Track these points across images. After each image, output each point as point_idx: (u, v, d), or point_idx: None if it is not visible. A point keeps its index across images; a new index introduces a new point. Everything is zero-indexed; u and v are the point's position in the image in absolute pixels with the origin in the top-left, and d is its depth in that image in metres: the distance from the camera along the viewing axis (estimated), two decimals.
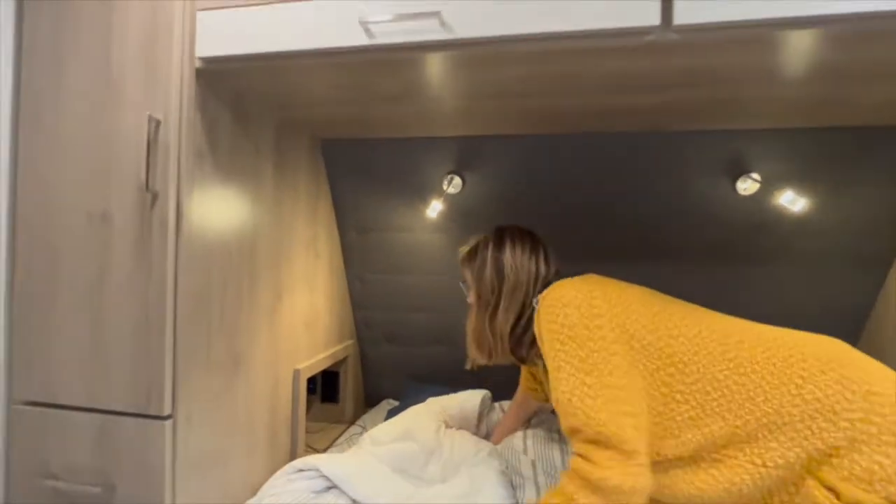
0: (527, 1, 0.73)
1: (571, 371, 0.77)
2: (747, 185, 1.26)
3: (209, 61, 0.87)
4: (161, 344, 0.86)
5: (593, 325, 0.79)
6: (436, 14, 0.74)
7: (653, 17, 0.70)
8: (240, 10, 0.84)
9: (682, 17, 0.70)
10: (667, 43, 0.73)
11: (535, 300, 0.92)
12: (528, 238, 1.02)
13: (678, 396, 0.76)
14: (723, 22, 0.69)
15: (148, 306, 0.86)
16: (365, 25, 0.77)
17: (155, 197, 0.86)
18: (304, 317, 1.36)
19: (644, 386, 0.77)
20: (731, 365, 0.75)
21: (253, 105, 1.06)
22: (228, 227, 1.00)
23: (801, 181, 1.22)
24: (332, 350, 1.53)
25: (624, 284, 0.90)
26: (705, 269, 1.41)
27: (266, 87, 1.00)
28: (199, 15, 0.86)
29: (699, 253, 1.38)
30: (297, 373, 1.28)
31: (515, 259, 0.97)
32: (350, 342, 1.69)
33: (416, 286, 1.62)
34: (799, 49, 0.76)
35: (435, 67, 0.86)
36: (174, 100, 0.86)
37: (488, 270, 0.98)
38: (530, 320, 0.94)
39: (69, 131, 0.90)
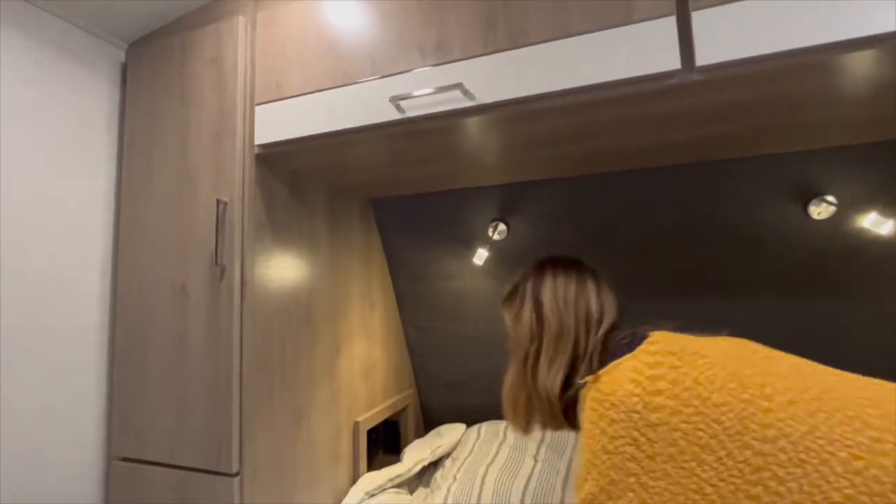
0: (542, 62, 0.76)
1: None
2: (821, 209, 1.15)
3: (266, 147, 0.98)
4: (228, 403, 0.94)
5: (644, 452, 0.59)
6: (458, 86, 0.79)
7: (672, 62, 0.70)
8: (288, 101, 0.96)
9: (704, 58, 0.68)
10: (693, 84, 0.71)
11: (582, 374, 0.69)
12: (574, 270, 0.82)
13: None
14: (746, 58, 0.66)
15: (218, 368, 0.95)
16: (395, 102, 0.84)
17: (223, 270, 0.96)
18: (363, 367, 1.41)
19: None
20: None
21: (306, 177, 1.17)
22: (288, 289, 1.09)
23: (886, 200, 1.09)
24: (391, 400, 1.56)
25: (711, 351, 0.64)
26: (778, 303, 1.28)
27: (316, 162, 1.10)
28: (257, 109, 0.98)
29: (768, 287, 1.26)
30: (356, 425, 1.32)
31: (557, 298, 0.78)
32: (410, 391, 1.71)
33: (468, 332, 1.63)
34: (837, 72, 0.70)
35: (465, 131, 0.91)
36: (237, 183, 0.98)
37: (526, 313, 0.81)
38: (589, 370, 0.73)
39: (156, 217, 1.05)
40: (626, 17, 0.72)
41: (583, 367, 0.74)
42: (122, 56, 1.17)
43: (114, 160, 1.13)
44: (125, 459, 1.03)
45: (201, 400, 0.96)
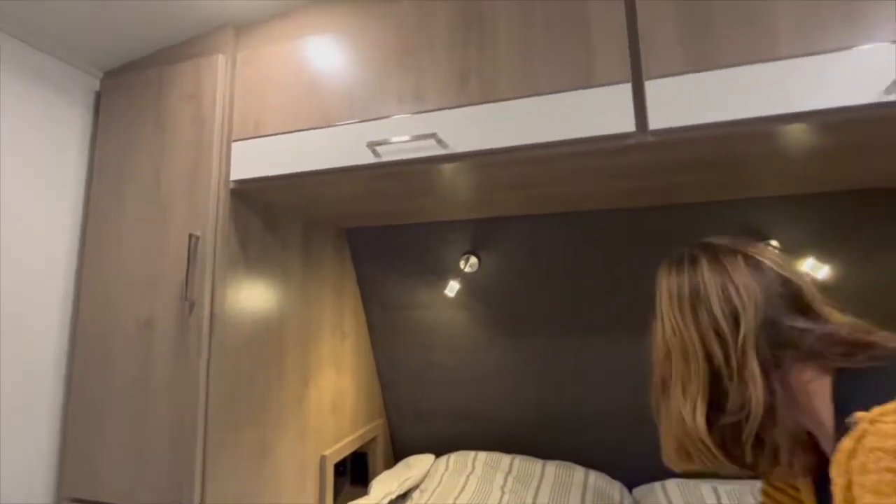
0: (510, 117, 0.81)
1: None
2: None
3: (242, 182, 1.00)
4: (192, 441, 0.92)
5: None
6: (432, 135, 0.83)
7: (628, 125, 0.76)
8: (266, 139, 0.98)
9: (656, 122, 0.75)
10: (647, 144, 0.78)
11: (852, 419, 0.45)
12: (693, 259, 0.62)
13: None
14: (695, 125, 0.73)
15: (183, 405, 0.94)
16: (372, 147, 0.88)
17: (192, 304, 0.96)
18: (332, 399, 1.40)
19: None
20: None
21: (281, 209, 1.18)
22: (259, 322, 1.08)
23: (821, 247, 1.20)
24: (360, 431, 1.55)
25: None
26: None
27: (291, 197, 1.12)
28: (234, 145, 1.00)
29: None
30: (323, 459, 1.30)
31: (672, 305, 0.61)
32: (379, 422, 1.70)
33: (440, 363, 1.64)
34: (774, 138, 0.79)
35: (438, 174, 0.95)
36: (211, 217, 0.98)
37: (661, 323, 0.62)
38: (746, 407, 0.53)
39: (124, 249, 1.04)
40: (587, 81, 0.78)
41: (728, 392, 0.55)
42: (96, 85, 1.17)
43: (83, 187, 1.12)
44: (76, 501, 0.98)
45: (163, 437, 0.94)
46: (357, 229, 1.53)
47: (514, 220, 1.39)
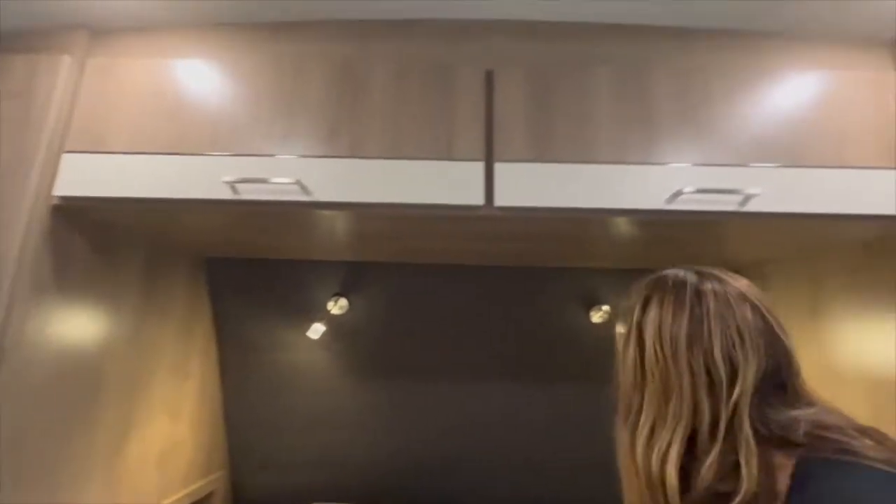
0: (375, 175, 0.85)
1: None
2: (599, 315, 1.43)
3: (69, 199, 0.88)
4: None
5: None
6: (297, 182, 0.83)
7: (478, 198, 0.85)
8: (110, 156, 0.88)
9: (501, 200, 0.85)
10: (494, 216, 0.87)
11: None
12: (696, 291, 0.54)
13: None
14: (533, 207, 0.85)
15: None
16: (231, 185, 0.84)
17: None
18: (160, 451, 1.23)
19: None
20: None
21: (119, 232, 1.06)
22: (67, 360, 0.93)
23: None
24: (194, 486, 1.38)
25: None
26: (575, 388, 1.52)
27: (134, 221, 1.01)
28: (66, 157, 0.88)
29: (564, 374, 1.50)
30: None
31: (663, 336, 0.52)
32: (219, 474, 1.53)
33: (299, 408, 1.56)
34: (594, 225, 0.94)
35: (301, 218, 0.94)
36: (18, 234, 0.84)
37: (630, 352, 0.56)
38: (724, 462, 0.46)
39: None
40: (446, 153, 0.86)
41: (708, 453, 0.46)
42: None
43: None
44: None
45: None
46: (219, 260, 1.42)
47: (386, 265, 1.41)
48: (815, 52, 0.99)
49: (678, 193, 0.83)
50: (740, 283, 0.55)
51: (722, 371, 0.49)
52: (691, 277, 0.56)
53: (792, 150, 0.87)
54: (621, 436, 0.56)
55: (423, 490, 1.58)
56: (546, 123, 0.89)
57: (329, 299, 1.45)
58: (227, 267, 1.43)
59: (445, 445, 1.54)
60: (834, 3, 0.92)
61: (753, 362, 0.49)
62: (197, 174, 0.87)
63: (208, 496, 1.46)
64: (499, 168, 0.86)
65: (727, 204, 0.84)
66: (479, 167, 0.86)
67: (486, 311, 1.46)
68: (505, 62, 0.94)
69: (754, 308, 0.52)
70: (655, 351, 0.52)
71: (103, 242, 1.01)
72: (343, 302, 1.47)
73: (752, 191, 0.83)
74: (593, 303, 1.44)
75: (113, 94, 0.92)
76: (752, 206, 0.84)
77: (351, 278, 1.47)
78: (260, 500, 1.62)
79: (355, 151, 0.87)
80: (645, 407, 0.52)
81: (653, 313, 0.54)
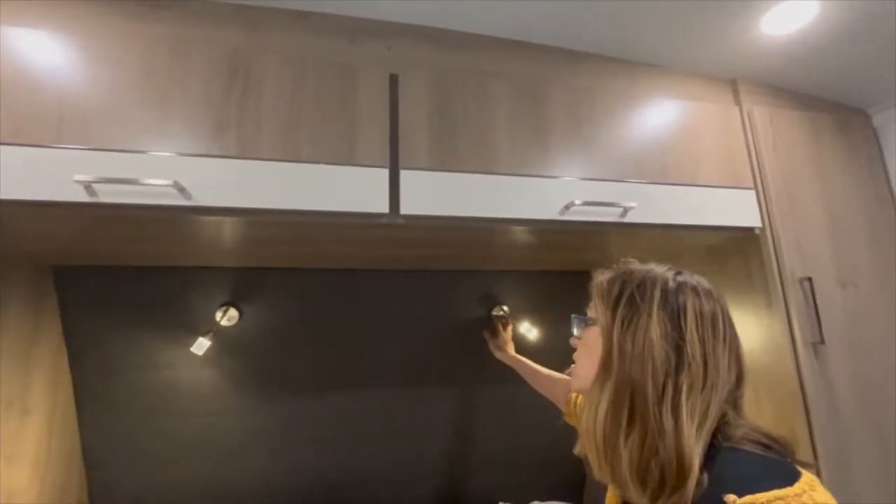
0: (269, 178, 0.78)
1: None
2: (500, 314, 1.49)
3: None
4: None
5: None
6: (174, 184, 0.73)
7: (383, 206, 0.82)
8: None
9: (406, 208, 0.84)
10: (398, 224, 0.85)
11: (724, 499, 0.46)
12: (721, 301, 0.59)
13: None
14: (437, 216, 0.85)
15: None
16: (87, 185, 0.71)
17: None
18: None
19: None
20: None
21: None
22: None
23: (534, 314, 1.51)
24: None
25: None
26: (475, 385, 1.56)
27: None
28: None
29: (468, 375, 1.53)
30: None
31: (705, 327, 0.56)
32: None
33: (178, 432, 1.38)
34: (500, 233, 0.98)
35: (180, 225, 0.83)
36: None
37: (654, 330, 0.55)
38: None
39: None
40: (348, 158, 0.82)
41: (663, 434, 0.51)
42: None
43: None
44: None
45: None
46: (70, 269, 1.20)
47: (282, 271, 1.32)
48: (678, 84, 1.14)
49: (570, 205, 0.89)
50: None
51: (734, 367, 0.56)
52: (700, 282, 0.60)
53: (659, 169, 1.00)
54: (595, 395, 0.57)
55: None
56: (449, 132, 0.90)
57: (217, 310, 1.31)
58: (82, 278, 1.21)
59: (352, 458, 1.48)
60: (687, 41, 1.06)
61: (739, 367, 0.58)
62: (39, 170, 0.71)
63: None
64: (404, 176, 0.84)
65: (609, 215, 0.93)
66: (384, 174, 0.83)
67: (388, 315, 1.44)
68: (407, 66, 0.92)
69: (730, 325, 0.60)
70: (697, 353, 0.54)
71: None
72: (233, 312, 1.33)
73: (629, 204, 0.92)
74: (494, 303, 1.50)
75: None
76: (629, 218, 0.94)
77: (241, 286, 1.34)
78: None
79: (245, 152, 0.78)
80: (685, 389, 0.53)
81: (691, 300, 0.56)
